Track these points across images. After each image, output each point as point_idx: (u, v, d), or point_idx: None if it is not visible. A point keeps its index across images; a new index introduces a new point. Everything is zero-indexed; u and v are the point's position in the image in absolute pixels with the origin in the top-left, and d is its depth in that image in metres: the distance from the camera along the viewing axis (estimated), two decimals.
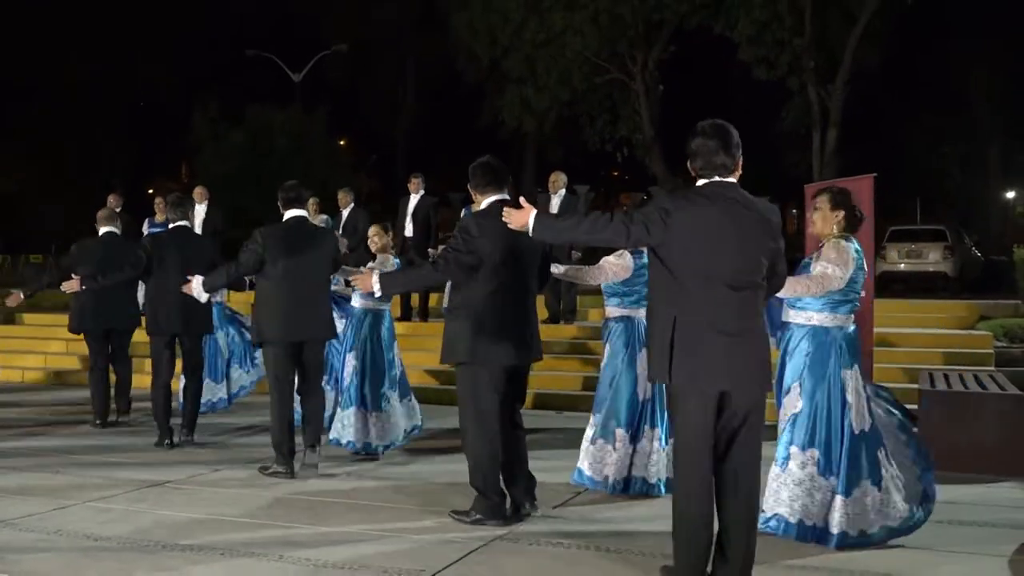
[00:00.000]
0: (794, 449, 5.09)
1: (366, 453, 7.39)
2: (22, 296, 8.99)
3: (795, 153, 27.96)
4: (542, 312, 12.20)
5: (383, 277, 5.57)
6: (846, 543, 4.95)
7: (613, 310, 6.30)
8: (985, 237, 29.26)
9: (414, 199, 12.48)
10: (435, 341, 11.63)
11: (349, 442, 7.36)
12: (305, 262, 6.66)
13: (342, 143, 35.43)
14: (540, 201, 12.22)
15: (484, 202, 5.50)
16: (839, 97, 25.29)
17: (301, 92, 30.92)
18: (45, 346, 13.23)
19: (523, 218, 4.40)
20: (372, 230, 7.64)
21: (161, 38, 34.34)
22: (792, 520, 5.03)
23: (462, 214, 12.63)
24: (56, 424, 8.98)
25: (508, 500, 5.52)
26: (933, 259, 19.79)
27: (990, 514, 5.81)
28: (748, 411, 4.13)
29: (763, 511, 5.00)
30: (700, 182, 4.20)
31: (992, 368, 9.61)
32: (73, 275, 8.15)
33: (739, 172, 4.21)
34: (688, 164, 4.26)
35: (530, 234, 4.40)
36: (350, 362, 7.54)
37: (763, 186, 20.62)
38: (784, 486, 5.07)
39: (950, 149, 33.24)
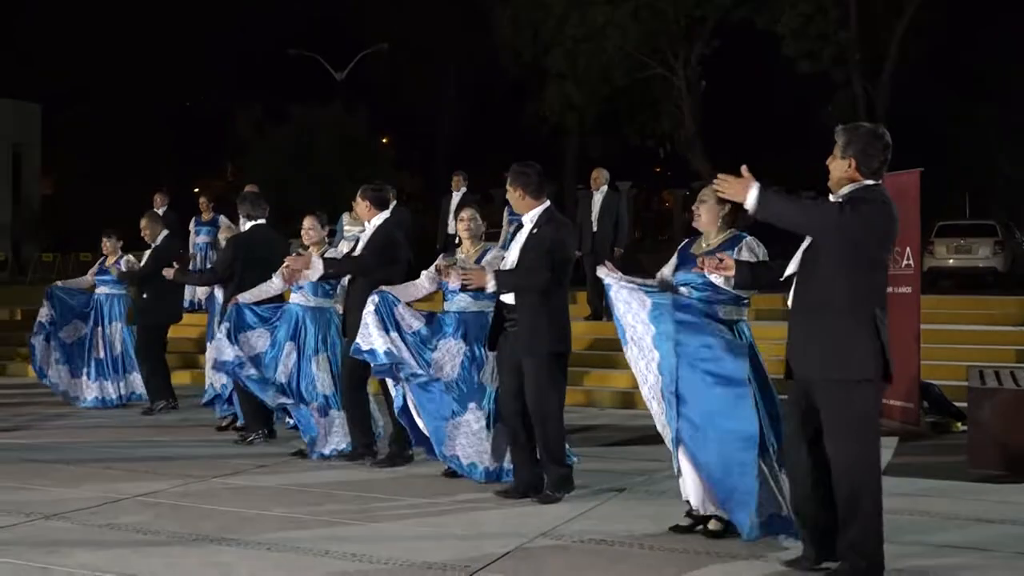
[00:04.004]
0: None
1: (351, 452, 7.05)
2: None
3: None
4: (584, 309, 12.17)
5: (499, 275, 5.73)
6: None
7: None
8: None
9: (456, 197, 12.50)
10: None
11: (341, 448, 7.08)
12: (405, 261, 6.94)
13: (384, 141, 35.63)
14: (581, 197, 12.18)
15: (540, 206, 5.79)
16: (885, 90, 24.96)
17: (343, 90, 31.13)
18: None
19: (743, 188, 4.06)
20: (307, 223, 7.18)
21: (204, 39, 34.79)
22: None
23: (505, 212, 12.62)
24: (104, 418, 9.12)
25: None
26: (983, 254, 19.44)
27: None
28: None
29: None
30: (875, 182, 4.32)
31: None
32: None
33: None
34: (867, 166, 4.32)
35: (750, 206, 4.10)
36: (322, 364, 7.11)
37: (808, 181, 20.41)
38: None
39: (999, 142, 32.63)
